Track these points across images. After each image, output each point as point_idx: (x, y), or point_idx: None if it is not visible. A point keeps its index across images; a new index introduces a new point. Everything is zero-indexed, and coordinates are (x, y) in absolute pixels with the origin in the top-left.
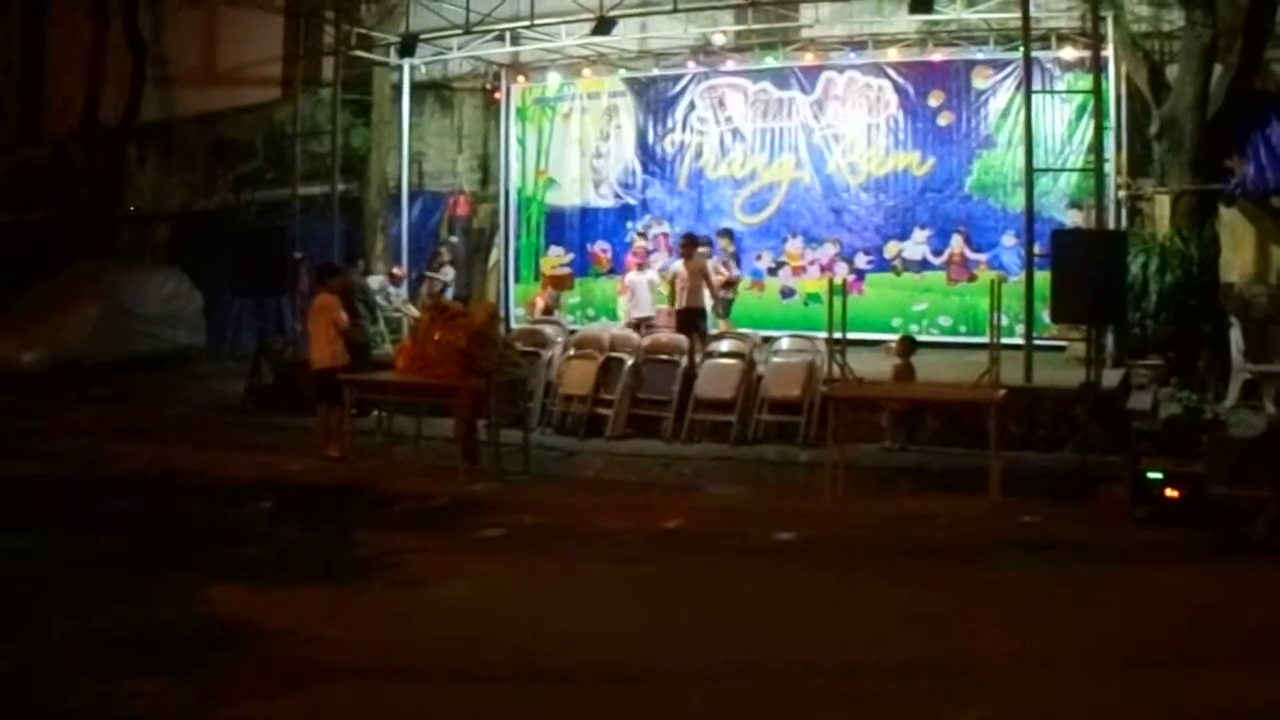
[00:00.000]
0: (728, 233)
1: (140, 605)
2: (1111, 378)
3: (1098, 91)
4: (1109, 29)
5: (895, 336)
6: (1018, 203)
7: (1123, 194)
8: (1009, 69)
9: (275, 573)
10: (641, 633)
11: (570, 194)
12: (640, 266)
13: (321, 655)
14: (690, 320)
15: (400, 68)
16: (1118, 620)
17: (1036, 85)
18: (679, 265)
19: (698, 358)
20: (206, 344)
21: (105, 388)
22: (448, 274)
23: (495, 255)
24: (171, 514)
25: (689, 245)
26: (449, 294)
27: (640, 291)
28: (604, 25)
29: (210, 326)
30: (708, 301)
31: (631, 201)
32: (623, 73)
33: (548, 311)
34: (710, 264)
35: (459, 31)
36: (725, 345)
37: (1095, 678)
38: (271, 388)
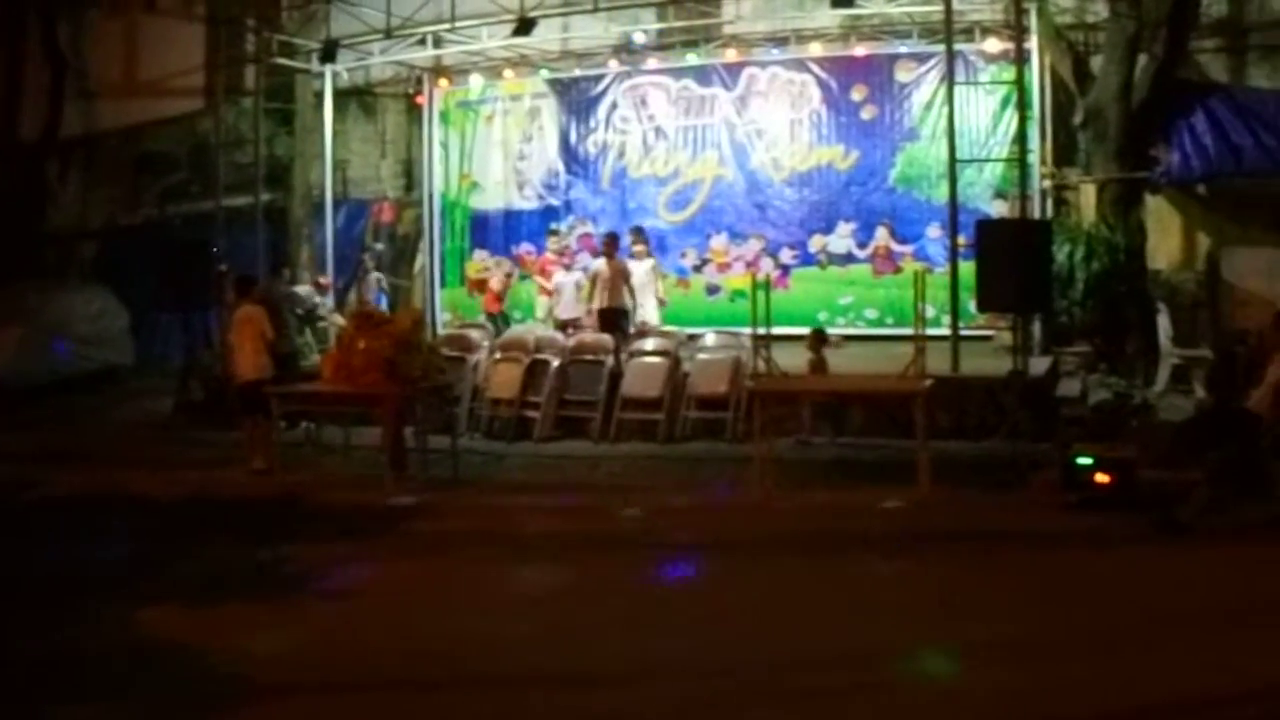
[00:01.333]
0: (638, 230)
1: (72, 630)
2: (1039, 365)
3: (1020, 82)
4: (1033, 21)
5: (828, 331)
6: (942, 194)
7: (1047, 184)
8: (932, 62)
9: (208, 591)
10: (575, 635)
11: (494, 197)
12: (567, 267)
13: (256, 672)
14: (613, 320)
15: (322, 74)
16: (1052, 606)
17: (960, 77)
18: (600, 264)
19: (623, 356)
20: (135, 361)
21: (32, 411)
22: (373, 282)
23: (420, 261)
24: (101, 536)
25: (611, 244)
26: (382, 302)
27: (567, 292)
28: (525, 26)
29: (138, 343)
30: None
31: (555, 203)
32: (545, 73)
33: (501, 296)
34: (650, 263)
35: (380, 36)
36: (650, 344)
37: (1033, 663)
38: (200, 403)
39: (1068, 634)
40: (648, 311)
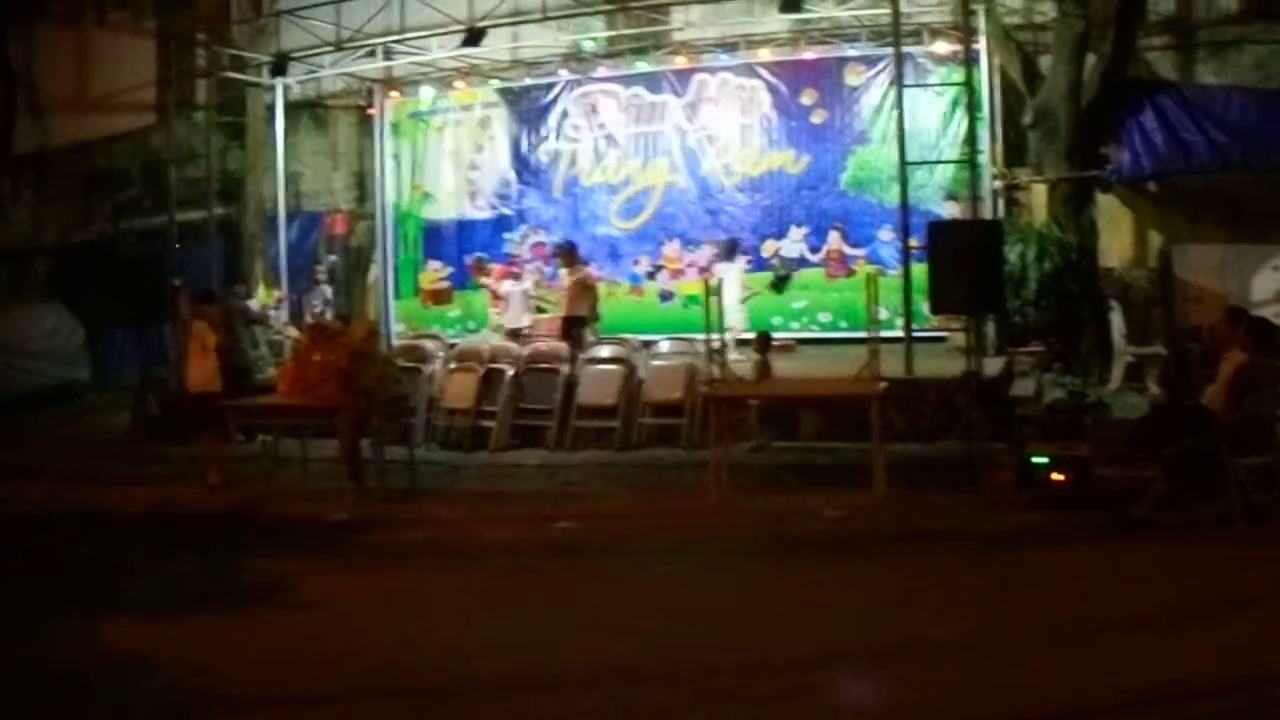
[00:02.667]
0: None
1: (32, 644)
2: (993, 366)
3: (970, 84)
4: (981, 22)
5: (781, 335)
6: (893, 197)
7: (998, 184)
8: (881, 65)
9: (167, 604)
10: (534, 642)
11: (446, 207)
12: (515, 276)
13: (216, 685)
14: (567, 329)
15: (273, 88)
16: (1010, 604)
17: (909, 80)
18: (564, 274)
19: (578, 365)
20: (92, 377)
21: None
22: (322, 294)
23: (374, 272)
24: (61, 551)
25: (571, 254)
26: (327, 313)
27: (515, 302)
28: (474, 37)
29: (94, 359)
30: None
31: (508, 212)
32: (495, 83)
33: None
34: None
35: (331, 49)
36: (605, 351)
37: (992, 662)
38: (157, 418)
39: (1026, 632)
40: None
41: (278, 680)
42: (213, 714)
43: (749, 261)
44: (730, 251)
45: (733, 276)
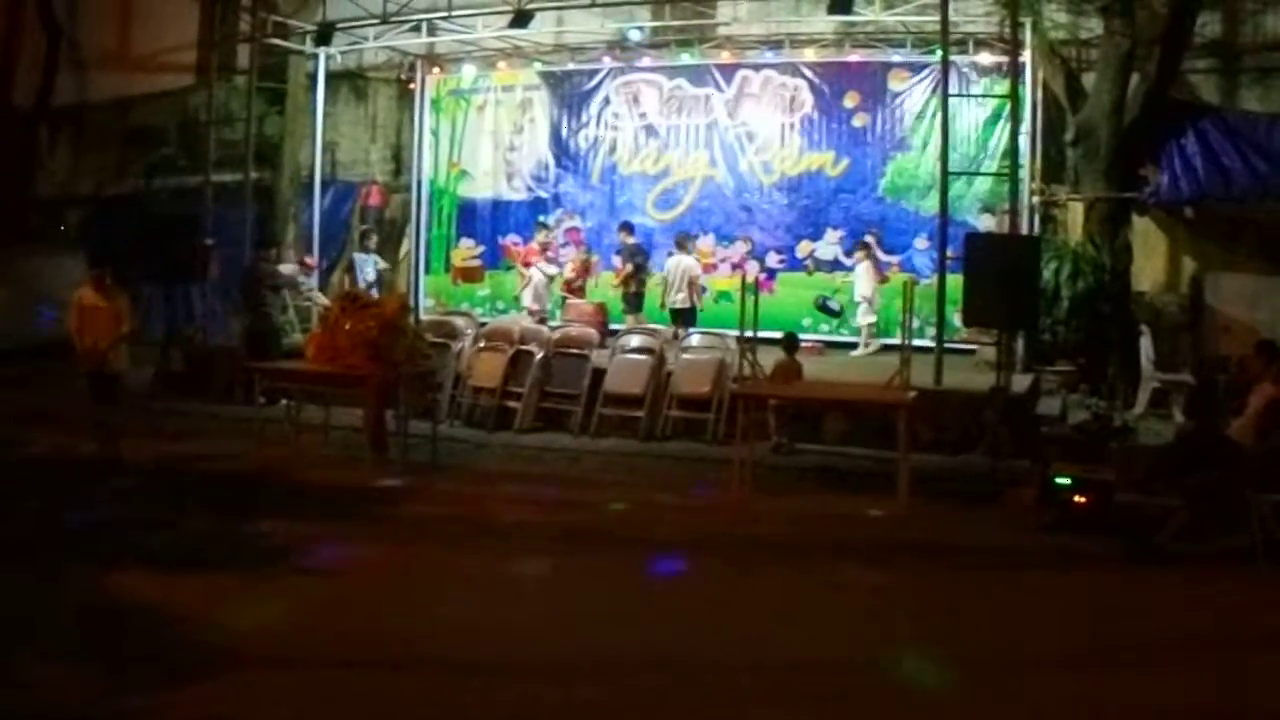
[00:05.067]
0: (626, 226)
1: (46, 593)
2: (1021, 382)
3: (1014, 97)
4: (1027, 35)
5: (811, 337)
6: (930, 205)
7: (1036, 200)
8: (925, 72)
9: (183, 561)
10: (547, 626)
11: (483, 186)
12: (549, 259)
13: (228, 643)
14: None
15: (315, 56)
16: (1021, 625)
17: (952, 89)
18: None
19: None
20: None
21: (12, 372)
22: (374, 260)
23: (406, 246)
24: (79, 500)
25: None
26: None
27: (536, 282)
28: (521, 19)
29: None
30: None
31: (544, 195)
32: (538, 66)
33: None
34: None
35: (375, 21)
36: (635, 341)
37: (997, 680)
38: (180, 374)
39: (1026, 654)
40: None
41: (285, 643)
42: (220, 671)
43: (781, 260)
44: (863, 248)
45: (861, 274)
